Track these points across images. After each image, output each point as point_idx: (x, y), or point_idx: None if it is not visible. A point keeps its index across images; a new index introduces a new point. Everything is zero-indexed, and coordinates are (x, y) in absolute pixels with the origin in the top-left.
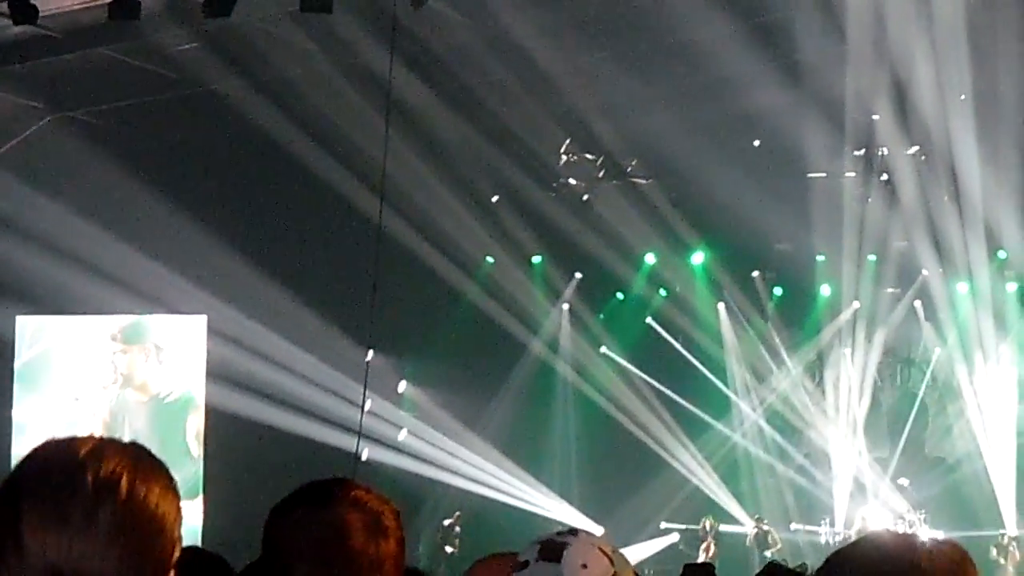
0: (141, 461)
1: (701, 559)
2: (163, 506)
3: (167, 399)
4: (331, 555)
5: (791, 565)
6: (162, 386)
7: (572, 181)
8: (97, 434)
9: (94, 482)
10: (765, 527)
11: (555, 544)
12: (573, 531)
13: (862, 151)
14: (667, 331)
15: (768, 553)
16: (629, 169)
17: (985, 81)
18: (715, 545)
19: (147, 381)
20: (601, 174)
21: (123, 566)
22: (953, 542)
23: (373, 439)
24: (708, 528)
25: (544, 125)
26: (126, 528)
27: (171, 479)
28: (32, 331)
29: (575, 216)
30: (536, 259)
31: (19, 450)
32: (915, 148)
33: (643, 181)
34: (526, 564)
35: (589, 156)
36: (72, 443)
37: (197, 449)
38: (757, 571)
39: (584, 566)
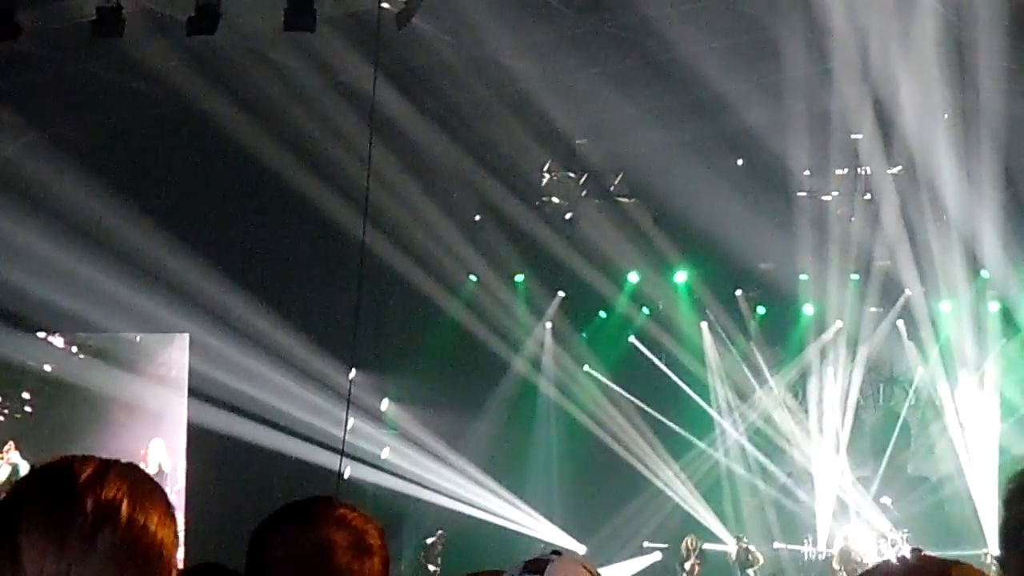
0: (141, 486)
1: None
2: (161, 532)
3: None
4: (316, 574)
5: None
6: None
7: (555, 200)
8: None
9: (94, 506)
10: (745, 544)
11: (539, 561)
12: (557, 552)
13: (845, 170)
14: (650, 350)
15: (751, 572)
16: (612, 188)
17: (967, 100)
18: (699, 565)
19: None
20: (584, 193)
21: None
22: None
23: (355, 457)
24: (691, 547)
25: (527, 143)
26: (125, 553)
27: (169, 505)
28: (11, 351)
29: (558, 235)
30: (519, 278)
31: None
32: (898, 167)
33: (626, 200)
34: None
35: (572, 175)
36: (72, 465)
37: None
38: None
39: None
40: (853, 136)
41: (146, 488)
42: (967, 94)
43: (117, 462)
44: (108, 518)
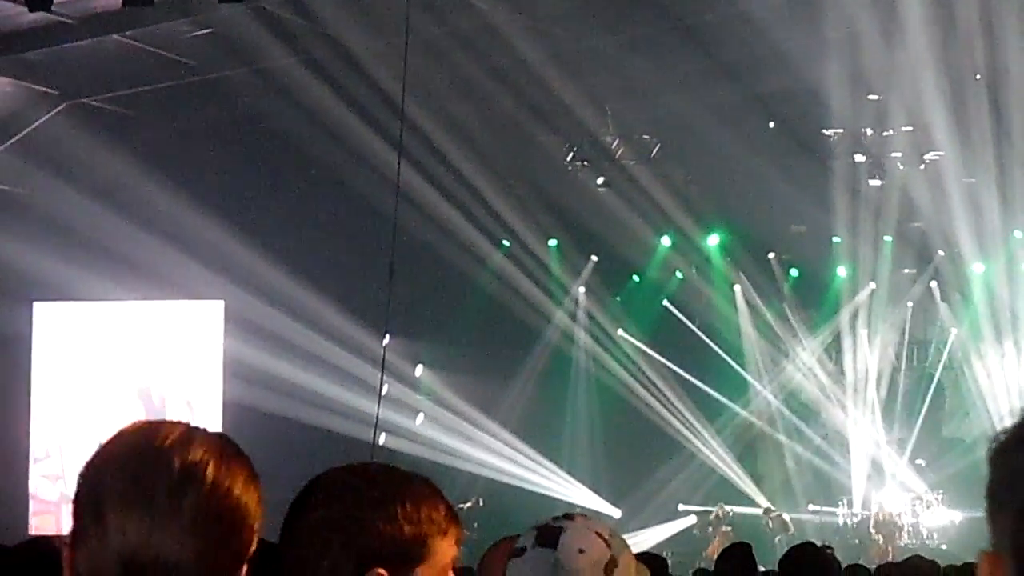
0: (226, 450)
1: (715, 545)
2: (245, 497)
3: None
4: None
5: None
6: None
7: (587, 164)
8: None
9: (180, 469)
10: (777, 512)
11: (551, 529)
12: (569, 515)
13: (877, 132)
14: (683, 313)
15: (779, 540)
16: (644, 151)
17: (998, 59)
18: (731, 531)
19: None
20: (617, 156)
21: (201, 556)
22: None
23: (390, 424)
24: (721, 516)
25: (560, 107)
26: (209, 518)
27: (253, 471)
28: (49, 318)
29: (591, 199)
30: (552, 242)
31: (39, 440)
32: (931, 128)
33: (659, 163)
34: (523, 551)
35: (606, 138)
36: (159, 429)
37: None
38: (781, 554)
39: (581, 551)
40: (885, 97)
41: (231, 452)
42: (997, 53)
43: (202, 428)
44: (193, 480)
